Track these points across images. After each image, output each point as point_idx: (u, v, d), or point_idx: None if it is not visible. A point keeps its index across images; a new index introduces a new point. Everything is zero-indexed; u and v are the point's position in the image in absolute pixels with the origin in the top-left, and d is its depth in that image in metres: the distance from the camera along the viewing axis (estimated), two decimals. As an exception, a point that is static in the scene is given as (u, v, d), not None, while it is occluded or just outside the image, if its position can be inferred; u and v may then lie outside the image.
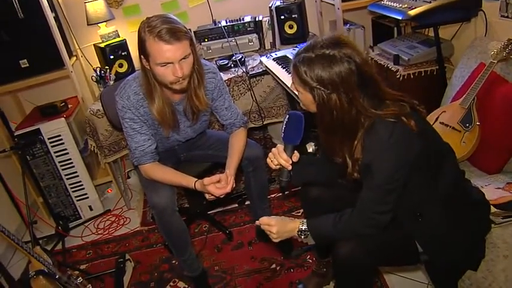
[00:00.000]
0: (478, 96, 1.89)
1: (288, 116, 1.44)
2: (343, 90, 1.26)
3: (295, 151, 1.49)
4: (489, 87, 1.88)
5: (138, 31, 1.65)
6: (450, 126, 1.94)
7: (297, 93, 1.39)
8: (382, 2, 2.45)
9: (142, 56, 1.68)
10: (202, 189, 1.82)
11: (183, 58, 1.64)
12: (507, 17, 2.02)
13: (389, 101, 1.31)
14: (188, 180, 1.86)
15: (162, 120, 1.84)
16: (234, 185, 1.86)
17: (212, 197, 1.84)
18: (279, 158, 1.48)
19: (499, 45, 1.89)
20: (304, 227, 1.48)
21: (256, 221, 1.55)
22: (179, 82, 1.69)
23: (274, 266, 2.16)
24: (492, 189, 1.68)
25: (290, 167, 1.48)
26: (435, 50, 2.30)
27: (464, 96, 1.93)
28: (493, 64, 1.86)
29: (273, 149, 1.52)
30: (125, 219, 2.85)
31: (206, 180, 1.79)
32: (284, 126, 1.44)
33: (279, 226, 1.49)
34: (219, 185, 1.80)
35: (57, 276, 1.86)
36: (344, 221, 1.41)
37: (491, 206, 1.53)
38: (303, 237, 1.48)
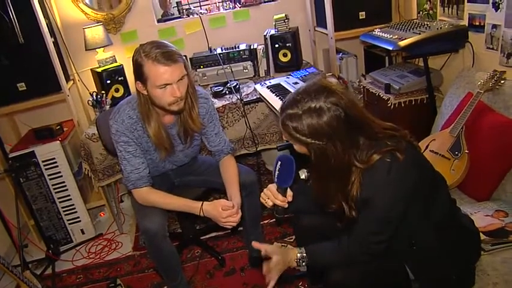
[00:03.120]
0: (467, 125, 1.94)
1: (279, 161, 1.45)
2: (337, 138, 1.26)
3: (288, 189, 1.51)
4: (477, 116, 1.94)
5: (133, 58, 1.70)
6: (440, 154, 1.98)
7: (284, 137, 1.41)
8: (374, 33, 2.54)
9: (138, 82, 1.72)
10: (213, 213, 1.82)
11: (180, 79, 1.70)
12: (492, 48, 2.10)
13: (384, 137, 1.32)
14: (193, 204, 1.87)
15: (159, 143, 1.86)
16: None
17: (229, 224, 1.83)
18: (275, 200, 1.51)
19: (485, 76, 1.97)
20: (301, 255, 1.48)
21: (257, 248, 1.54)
22: (177, 103, 1.74)
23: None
24: (481, 217, 1.70)
25: (286, 205, 1.51)
26: (425, 80, 2.36)
27: (453, 124, 1.98)
28: (480, 94, 1.92)
29: (266, 190, 1.55)
30: (117, 243, 2.82)
31: (224, 205, 1.81)
32: (277, 171, 1.45)
33: (282, 255, 1.49)
34: (227, 212, 1.81)
35: (46, 302, 1.84)
36: (342, 249, 1.43)
37: (481, 233, 1.56)
38: (303, 264, 1.48)
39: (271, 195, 1.53)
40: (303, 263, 1.48)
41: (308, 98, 1.26)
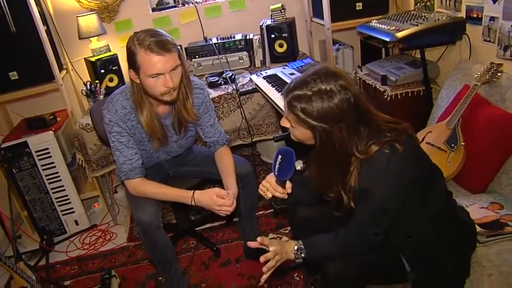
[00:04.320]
0: (463, 117, 1.94)
1: (280, 155, 1.43)
2: (343, 123, 1.25)
3: (288, 181, 1.50)
4: (473, 109, 1.93)
5: (127, 45, 1.68)
6: (436, 146, 1.98)
7: (288, 126, 1.39)
8: (371, 24, 2.52)
9: (131, 70, 1.70)
10: (207, 202, 1.80)
11: (173, 69, 1.68)
12: (489, 41, 2.09)
13: (385, 129, 1.32)
14: (184, 194, 1.85)
15: (151, 132, 1.85)
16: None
17: (223, 212, 1.81)
18: (274, 192, 1.50)
19: (482, 68, 1.96)
20: (299, 247, 1.47)
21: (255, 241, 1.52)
22: (170, 93, 1.72)
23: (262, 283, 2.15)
24: (476, 209, 1.71)
25: (286, 197, 1.51)
26: (422, 71, 2.36)
27: (449, 117, 1.98)
28: (477, 86, 1.92)
29: (264, 182, 1.53)
30: (111, 234, 2.81)
31: (218, 193, 1.79)
32: (277, 165, 1.44)
33: (279, 246, 1.47)
34: (222, 201, 1.79)
35: (40, 293, 1.82)
36: (339, 240, 1.43)
37: (476, 225, 1.56)
38: (301, 255, 1.47)
39: (270, 187, 1.51)
40: (301, 255, 1.47)
41: (318, 80, 1.25)
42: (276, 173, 1.46)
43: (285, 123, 1.39)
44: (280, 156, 1.44)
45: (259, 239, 1.47)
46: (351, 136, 1.28)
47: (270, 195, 1.53)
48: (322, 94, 1.24)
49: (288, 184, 1.51)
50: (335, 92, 1.24)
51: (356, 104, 1.26)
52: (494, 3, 2.02)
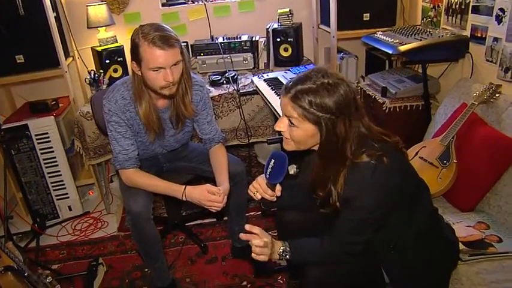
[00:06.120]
0: (458, 135, 1.94)
1: (273, 159, 1.43)
2: (347, 114, 1.28)
3: (277, 184, 1.51)
4: (469, 128, 1.94)
5: (132, 37, 1.71)
6: (428, 162, 1.99)
7: (284, 130, 1.37)
8: (376, 35, 2.53)
9: (134, 62, 1.73)
10: (198, 196, 1.81)
11: (174, 64, 1.70)
12: (492, 61, 2.10)
13: (376, 139, 1.33)
14: (176, 187, 1.86)
15: (148, 124, 1.87)
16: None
17: (213, 208, 1.82)
18: (264, 194, 1.51)
19: (481, 88, 1.97)
20: (285, 248, 1.44)
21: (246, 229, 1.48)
22: (169, 87, 1.74)
23: (245, 283, 2.17)
24: (463, 227, 1.72)
25: (275, 199, 1.52)
26: (422, 86, 2.36)
27: (445, 133, 1.99)
28: (474, 105, 1.92)
29: (254, 184, 1.55)
30: (102, 222, 2.84)
31: (210, 189, 1.80)
32: (269, 169, 1.44)
33: (270, 241, 1.43)
34: (213, 197, 1.81)
35: (26, 274, 1.84)
36: (324, 247, 1.43)
37: (460, 243, 1.57)
38: (286, 257, 1.44)
39: (260, 189, 1.53)
40: (286, 256, 1.45)
41: (320, 74, 1.29)
42: (268, 176, 1.47)
43: (280, 126, 1.37)
44: (273, 161, 1.44)
45: (247, 226, 1.43)
46: (351, 130, 1.29)
47: (259, 197, 1.55)
48: (327, 86, 1.27)
49: (278, 187, 1.52)
50: (338, 83, 1.27)
51: (355, 98, 1.30)
52: (499, 24, 2.02)
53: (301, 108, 1.28)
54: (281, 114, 1.40)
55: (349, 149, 1.30)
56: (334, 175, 1.36)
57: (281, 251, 1.44)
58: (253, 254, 1.42)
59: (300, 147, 1.40)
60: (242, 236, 1.46)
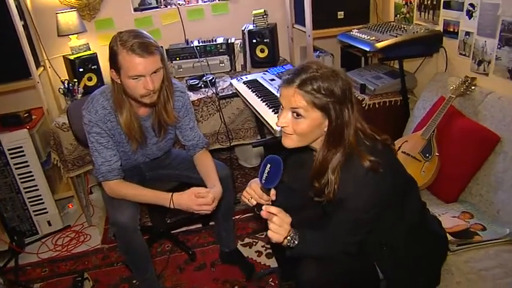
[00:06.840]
0: (438, 128, 1.99)
1: (269, 164, 1.39)
2: (349, 101, 1.30)
3: (272, 189, 1.48)
4: (448, 120, 1.99)
5: (110, 45, 1.66)
6: (411, 156, 2.03)
7: (287, 125, 1.36)
8: (351, 33, 2.56)
9: (112, 70, 1.68)
10: (186, 202, 1.78)
11: (154, 72, 1.66)
12: (465, 55, 2.16)
13: (365, 137, 1.34)
14: (163, 195, 1.82)
15: (130, 133, 1.83)
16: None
17: (203, 211, 1.79)
18: (260, 199, 1.47)
19: (457, 81, 2.02)
20: (294, 235, 1.39)
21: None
22: (149, 95, 1.70)
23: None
24: (448, 218, 1.76)
25: (270, 204, 1.50)
26: (399, 82, 2.41)
27: (425, 127, 2.03)
28: (452, 98, 1.97)
29: (248, 189, 1.50)
30: (85, 236, 2.76)
31: (197, 192, 1.77)
32: (266, 174, 1.40)
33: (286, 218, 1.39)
34: (202, 200, 1.77)
35: (8, 296, 1.77)
36: (326, 240, 1.42)
37: (448, 234, 1.61)
38: (294, 243, 1.39)
39: (255, 195, 1.48)
40: (294, 243, 1.39)
41: (317, 66, 1.31)
42: (264, 181, 1.44)
43: (282, 122, 1.34)
44: (269, 165, 1.41)
45: (265, 207, 1.38)
46: (354, 117, 1.31)
47: (254, 203, 1.50)
48: (329, 74, 1.29)
49: (273, 191, 1.49)
50: (338, 72, 1.30)
51: (351, 89, 1.32)
52: (469, 18, 2.08)
53: (310, 94, 1.27)
54: (281, 109, 1.37)
55: (353, 136, 1.32)
56: (334, 163, 1.35)
57: (290, 235, 1.39)
58: (269, 232, 1.38)
59: (301, 142, 1.37)
60: (263, 213, 1.39)
